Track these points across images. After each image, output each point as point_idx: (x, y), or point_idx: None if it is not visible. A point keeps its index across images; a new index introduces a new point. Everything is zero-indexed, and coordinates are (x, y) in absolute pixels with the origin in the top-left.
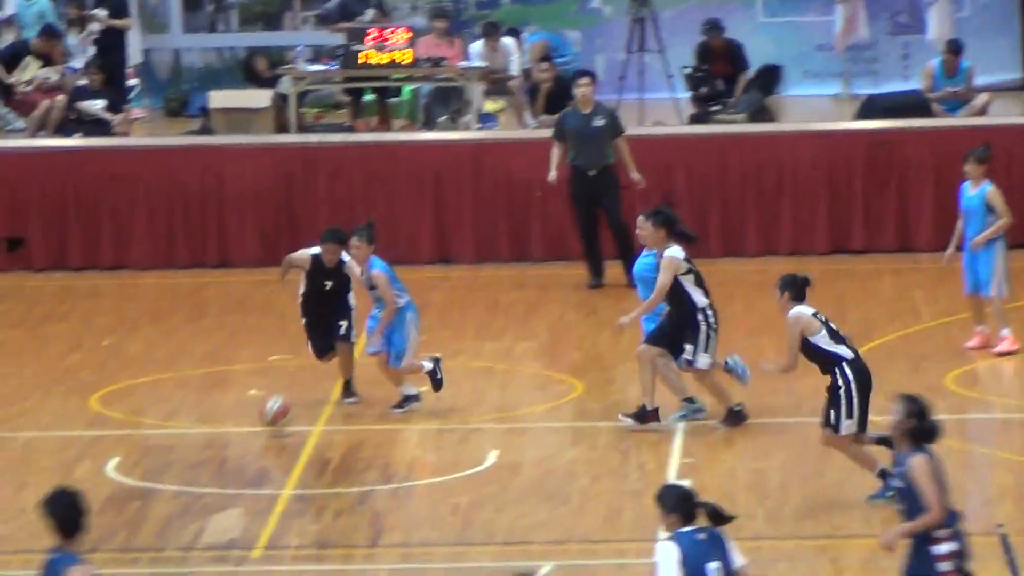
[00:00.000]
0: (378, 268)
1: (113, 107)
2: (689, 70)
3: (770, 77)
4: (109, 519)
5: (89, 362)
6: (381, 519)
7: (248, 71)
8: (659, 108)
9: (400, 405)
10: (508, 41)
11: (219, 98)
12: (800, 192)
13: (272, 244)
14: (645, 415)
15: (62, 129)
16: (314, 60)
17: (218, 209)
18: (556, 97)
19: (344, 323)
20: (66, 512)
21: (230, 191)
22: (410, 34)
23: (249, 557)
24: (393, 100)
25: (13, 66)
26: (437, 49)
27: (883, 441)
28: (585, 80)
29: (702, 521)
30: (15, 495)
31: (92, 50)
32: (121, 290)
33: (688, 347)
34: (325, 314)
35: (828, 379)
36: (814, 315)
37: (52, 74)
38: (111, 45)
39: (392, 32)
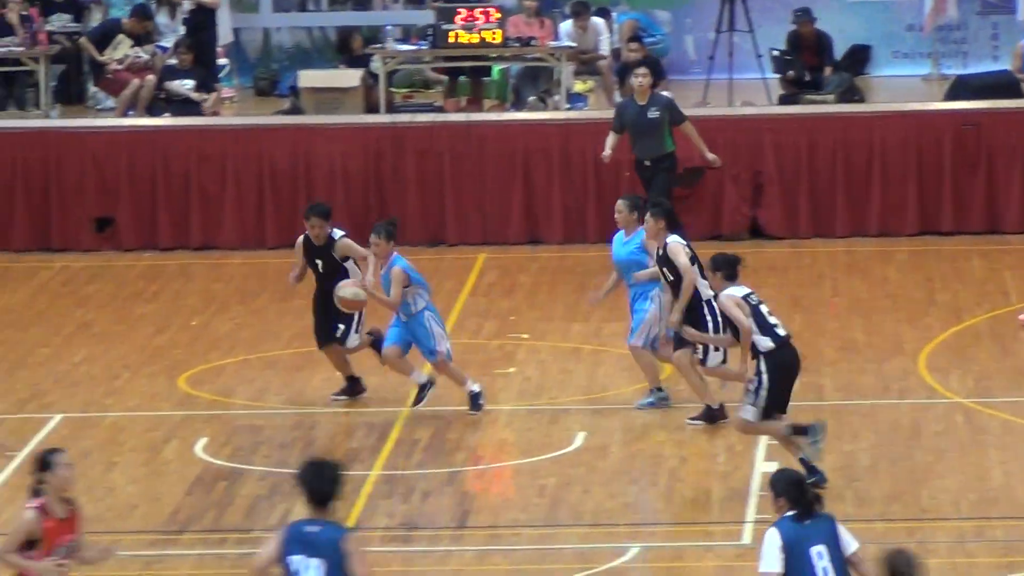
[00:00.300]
0: (400, 265)
1: (202, 87)
2: (777, 52)
3: (859, 57)
4: (197, 499)
5: (178, 342)
6: (469, 500)
7: (343, 47)
8: (748, 88)
9: (473, 407)
10: (598, 21)
11: (309, 78)
12: (889, 173)
13: (361, 224)
14: (712, 415)
15: (151, 109)
16: (404, 39)
17: (307, 189)
18: None
19: (342, 326)
20: (320, 480)
21: (319, 171)
22: (500, 14)
23: None
24: (483, 80)
25: (103, 45)
26: (527, 29)
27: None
28: (642, 71)
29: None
30: (103, 475)
31: (182, 29)
32: (210, 270)
33: (700, 346)
34: (324, 302)
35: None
36: (745, 297)
37: (143, 53)
38: (201, 24)
39: (482, 12)
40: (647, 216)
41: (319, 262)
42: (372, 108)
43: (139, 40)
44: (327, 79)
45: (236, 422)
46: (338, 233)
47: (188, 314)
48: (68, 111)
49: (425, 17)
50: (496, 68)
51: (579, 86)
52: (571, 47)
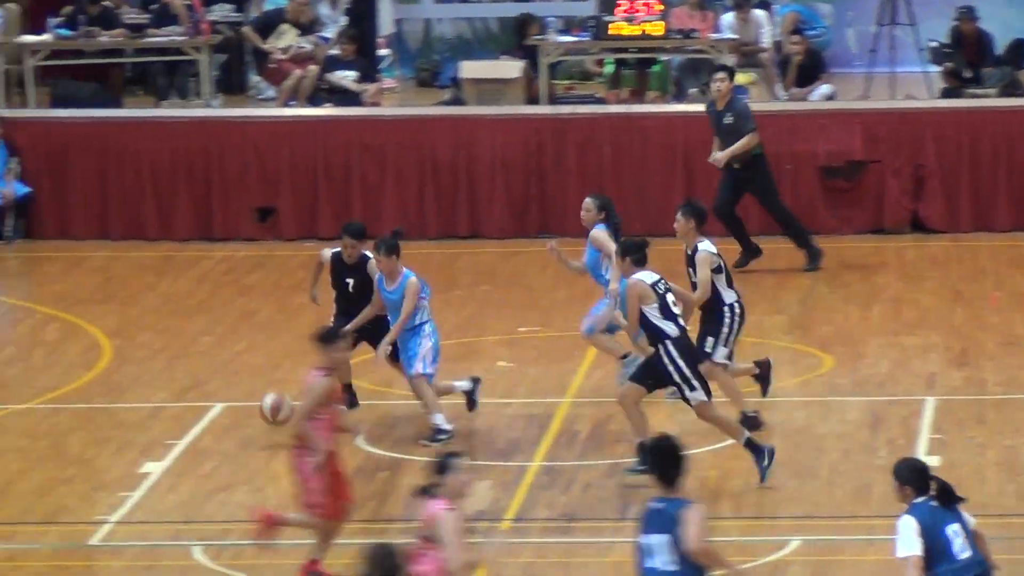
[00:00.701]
0: (415, 277)
1: (364, 78)
2: (935, 44)
3: (1021, 51)
4: (358, 489)
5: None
6: (630, 492)
7: (520, 33)
8: (910, 81)
9: (431, 438)
10: (759, 13)
11: (470, 68)
12: None
13: (522, 215)
14: (749, 422)
15: (312, 99)
16: (565, 31)
17: (468, 179)
18: (807, 70)
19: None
20: (665, 460)
21: (480, 162)
22: (662, 6)
23: (498, 528)
24: (647, 71)
25: (266, 34)
26: (689, 21)
27: None
28: (720, 75)
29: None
30: (266, 464)
31: (343, 20)
32: None
33: (709, 339)
34: (347, 321)
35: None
36: (654, 284)
37: (306, 43)
38: (362, 14)
39: (644, 4)
40: (678, 215)
41: (350, 281)
42: (533, 99)
43: (304, 29)
44: (488, 70)
45: (397, 412)
46: (371, 254)
47: None
48: (230, 101)
49: (586, 8)
50: (658, 60)
51: (740, 78)
52: (732, 39)
